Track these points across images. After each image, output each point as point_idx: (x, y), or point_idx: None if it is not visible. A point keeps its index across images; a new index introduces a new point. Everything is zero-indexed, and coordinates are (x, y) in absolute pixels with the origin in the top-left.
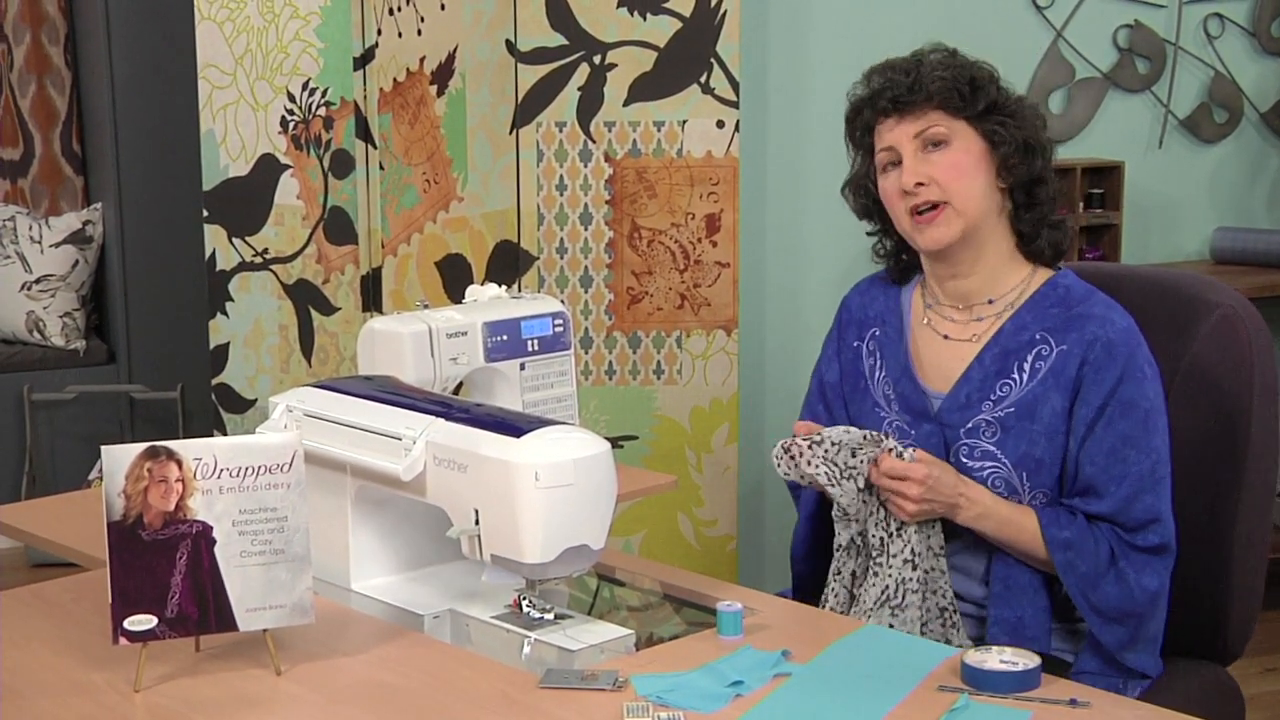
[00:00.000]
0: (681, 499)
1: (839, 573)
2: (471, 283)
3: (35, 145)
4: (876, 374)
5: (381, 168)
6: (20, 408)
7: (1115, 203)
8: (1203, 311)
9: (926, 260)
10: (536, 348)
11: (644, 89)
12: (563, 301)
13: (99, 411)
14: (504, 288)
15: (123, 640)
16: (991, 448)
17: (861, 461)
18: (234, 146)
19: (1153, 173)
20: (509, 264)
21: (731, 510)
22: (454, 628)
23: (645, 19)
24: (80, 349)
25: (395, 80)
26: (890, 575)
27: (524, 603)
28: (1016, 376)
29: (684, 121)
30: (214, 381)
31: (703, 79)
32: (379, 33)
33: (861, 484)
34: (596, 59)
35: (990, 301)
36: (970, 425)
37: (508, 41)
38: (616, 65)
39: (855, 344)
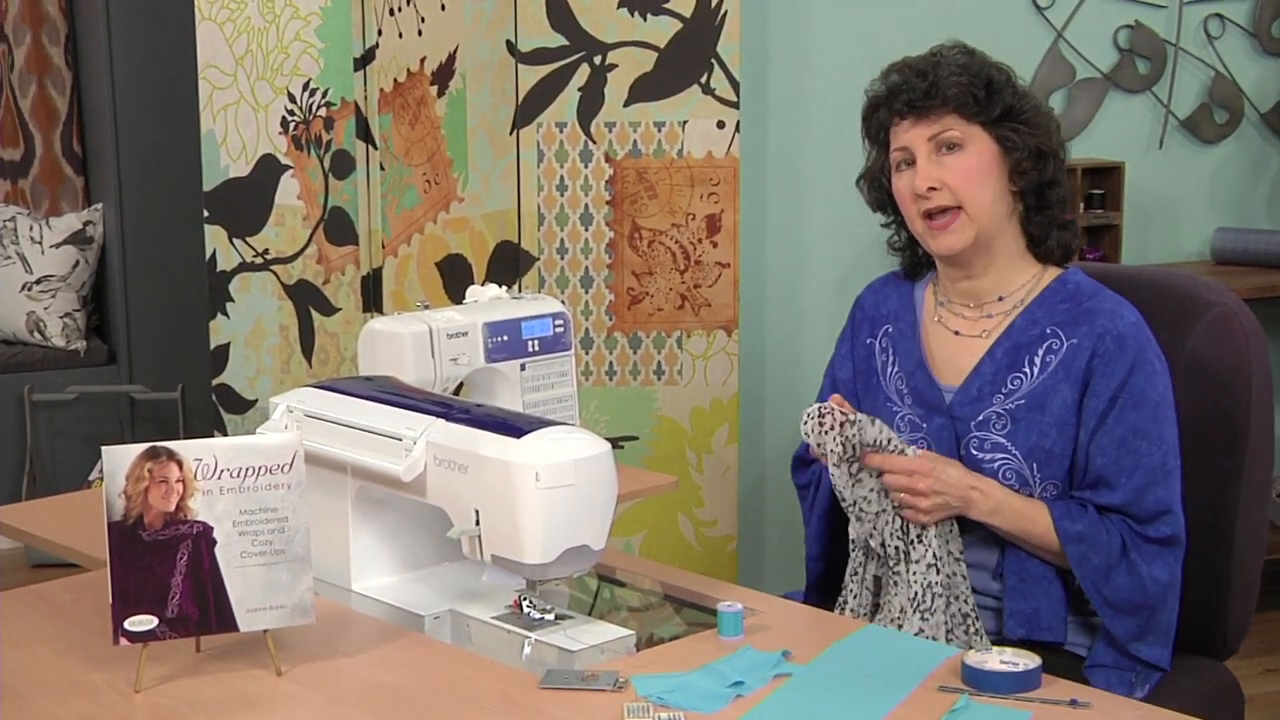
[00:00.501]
0: (682, 499)
1: (856, 573)
2: (472, 283)
3: (36, 145)
4: (889, 369)
5: (382, 168)
6: (21, 408)
7: (1115, 203)
8: (1198, 310)
9: (939, 261)
10: (537, 348)
11: (644, 89)
12: (563, 302)
13: (99, 412)
14: (504, 288)
15: (123, 640)
16: (1002, 439)
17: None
18: (234, 147)
19: (1153, 173)
20: (509, 264)
21: (732, 511)
22: (454, 628)
23: (645, 19)
24: (81, 349)
25: (396, 81)
26: (915, 581)
27: (524, 603)
28: (1027, 370)
29: (684, 122)
30: (214, 382)
31: (703, 79)
32: (379, 33)
33: (869, 486)
34: (597, 59)
35: (1001, 299)
36: (981, 418)
37: (508, 42)
38: (617, 66)
39: (868, 341)
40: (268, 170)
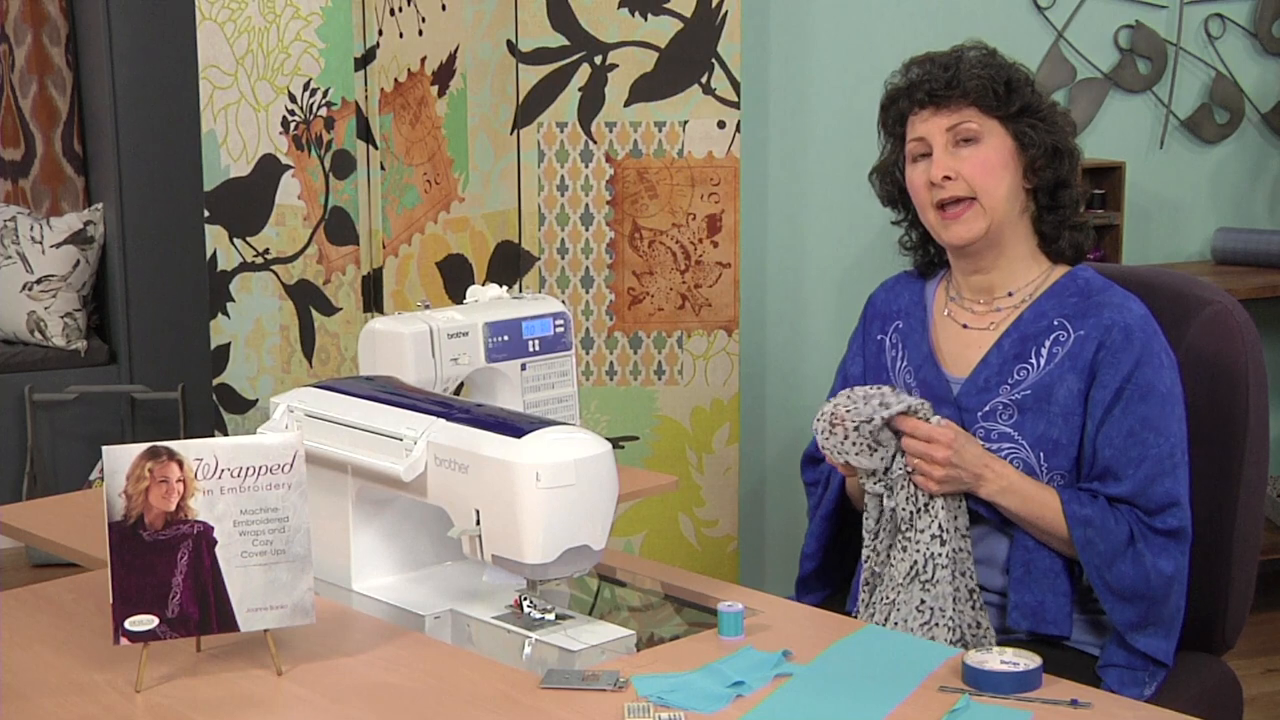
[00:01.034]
0: (682, 499)
1: (868, 583)
2: (472, 283)
3: (36, 145)
4: (898, 364)
5: (383, 168)
6: (21, 408)
7: (1116, 203)
8: (1193, 307)
9: (951, 254)
10: (537, 348)
11: (645, 89)
12: (564, 302)
13: (100, 412)
14: (505, 288)
15: (124, 640)
16: (1009, 429)
17: (886, 428)
18: (235, 147)
19: (1154, 173)
20: (510, 264)
21: (732, 510)
22: (455, 628)
23: (646, 19)
24: (81, 349)
25: (396, 80)
26: (919, 550)
27: (525, 603)
28: (1034, 361)
29: (685, 122)
30: (215, 382)
31: (704, 79)
32: (380, 33)
33: (891, 450)
34: (597, 59)
35: (1010, 294)
36: (988, 408)
37: (509, 42)
38: (617, 66)
39: (879, 338)
40: (268, 170)
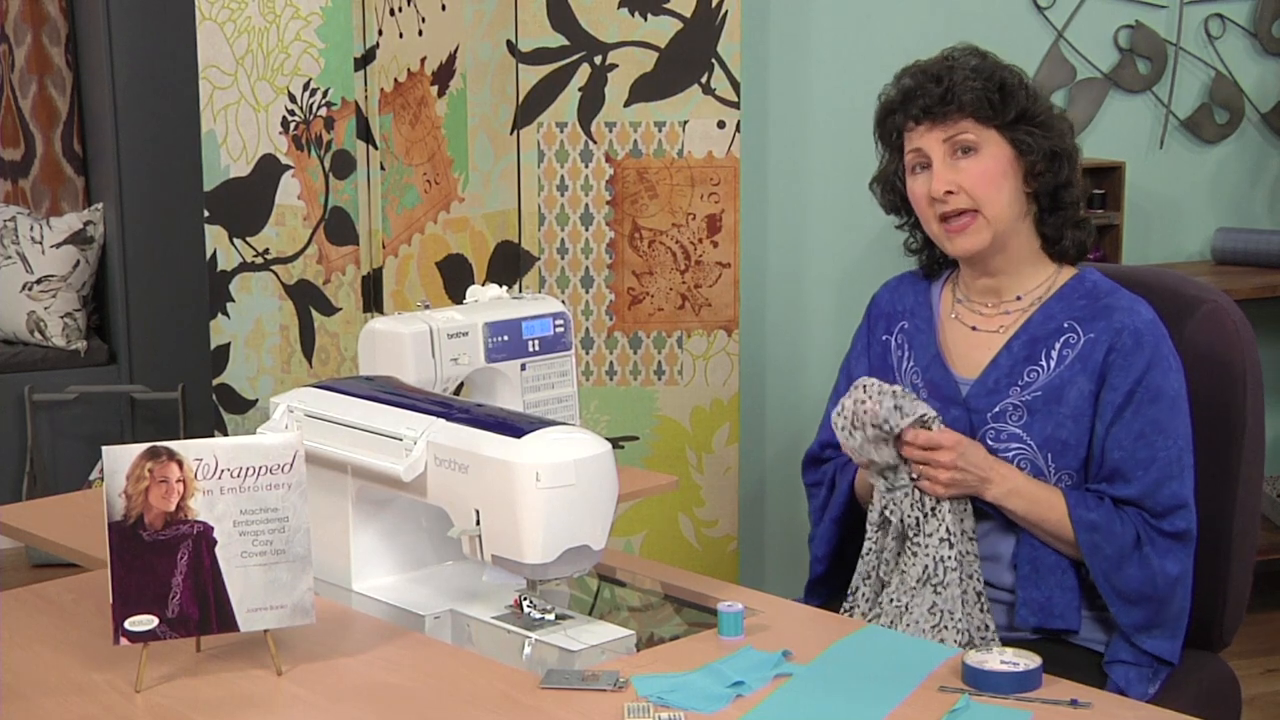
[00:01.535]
0: (682, 499)
1: (869, 576)
2: (472, 283)
3: (36, 145)
4: (904, 364)
5: (382, 168)
6: (21, 408)
7: (1116, 203)
8: (1190, 306)
9: (959, 260)
10: (537, 348)
11: (645, 89)
12: (563, 302)
13: (100, 412)
14: (505, 288)
15: (124, 640)
16: (1018, 430)
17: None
18: (235, 147)
19: (1154, 173)
20: (510, 264)
21: (732, 511)
22: (455, 628)
23: (646, 19)
24: (81, 349)
25: (396, 81)
26: (929, 554)
27: (525, 603)
28: (1044, 363)
29: (685, 122)
30: (215, 382)
31: (704, 79)
32: (380, 33)
33: (897, 454)
34: (597, 59)
35: (1019, 297)
36: (997, 410)
37: (509, 42)
38: (617, 66)
39: (884, 338)
40: (268, 170)
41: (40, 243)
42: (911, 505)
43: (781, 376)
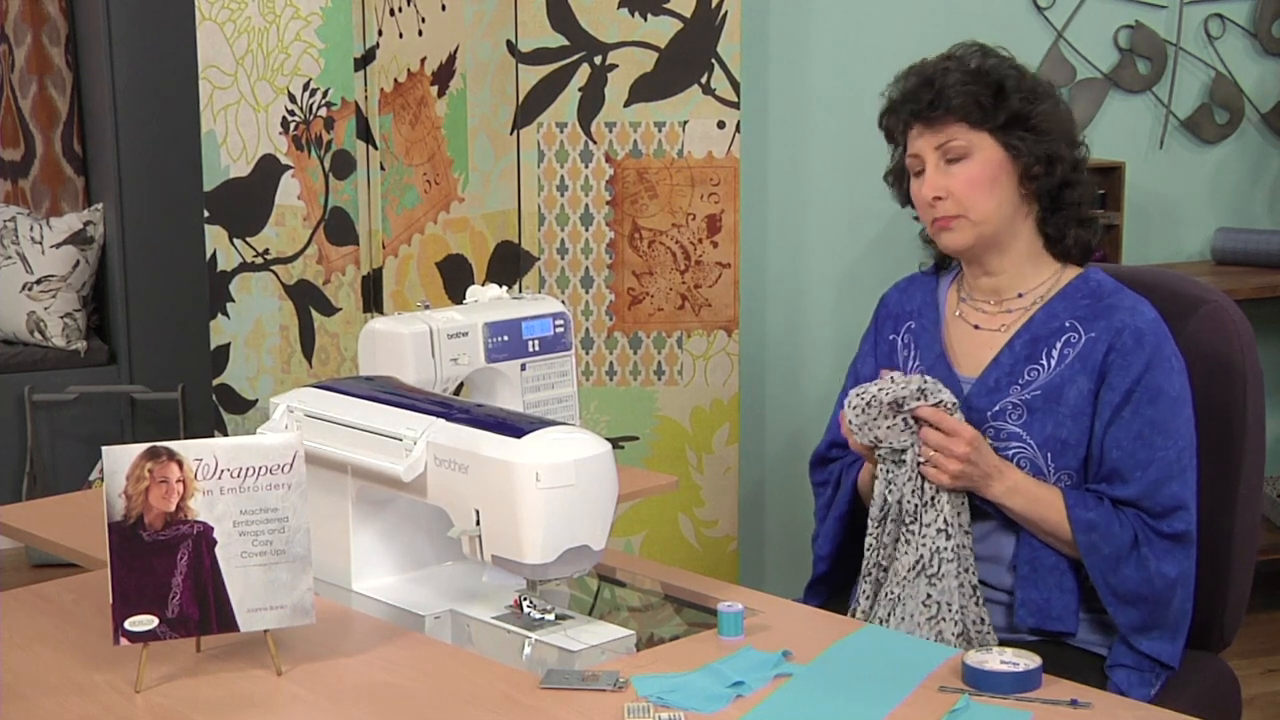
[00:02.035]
0: (682, 499)
1: (869, 574)
2: (472, 283)
3: (36, 146)
4: (910, 363)
5: (382, 168)
6: (21, 408)
7: (1116, 203)
8: (1190, 306)
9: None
10: (537, 348)
11: (645, 89)
12: (563, 302)
13: (100, 412)
14: (505, 288)
15: (124, 641)
16: (1018, 429)
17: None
18: (235, 147)
19: (1154, 173)
20: (510, 264)
21: (732, 511)
22: (455, 628)
23: (646, 19)
24: (81, 349)
25: (396, 81)
26: (924, 544)
27: (525, 603)
28: (1045, 362)
29: (685, 122)
30: (215, 382)
31: (703, 79)
32: (380, 33)
33: (907, 439)
34: (597, 59)
35: (1021, 295)
36: (998, 408)
37: (508, 42)
38: (617, 66)
39: (891, 337)
40: (268, 170)
41: (40, 243)
42: (912, 491)
43: (781, 376)
